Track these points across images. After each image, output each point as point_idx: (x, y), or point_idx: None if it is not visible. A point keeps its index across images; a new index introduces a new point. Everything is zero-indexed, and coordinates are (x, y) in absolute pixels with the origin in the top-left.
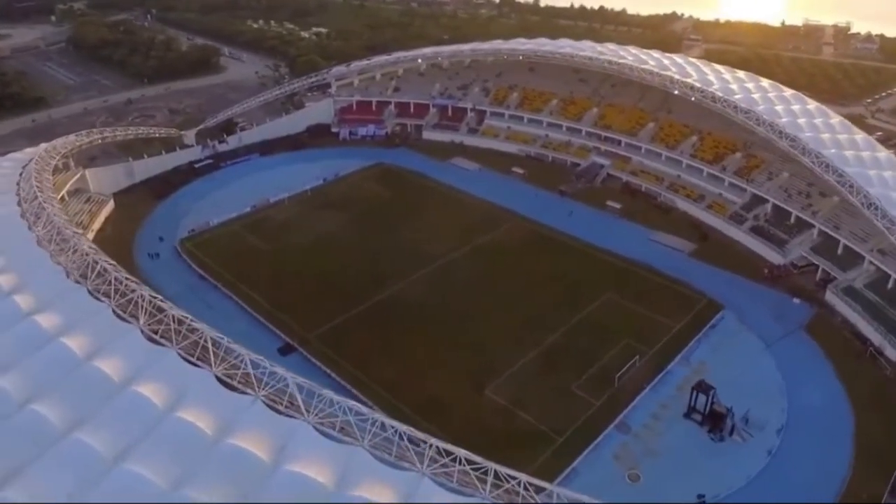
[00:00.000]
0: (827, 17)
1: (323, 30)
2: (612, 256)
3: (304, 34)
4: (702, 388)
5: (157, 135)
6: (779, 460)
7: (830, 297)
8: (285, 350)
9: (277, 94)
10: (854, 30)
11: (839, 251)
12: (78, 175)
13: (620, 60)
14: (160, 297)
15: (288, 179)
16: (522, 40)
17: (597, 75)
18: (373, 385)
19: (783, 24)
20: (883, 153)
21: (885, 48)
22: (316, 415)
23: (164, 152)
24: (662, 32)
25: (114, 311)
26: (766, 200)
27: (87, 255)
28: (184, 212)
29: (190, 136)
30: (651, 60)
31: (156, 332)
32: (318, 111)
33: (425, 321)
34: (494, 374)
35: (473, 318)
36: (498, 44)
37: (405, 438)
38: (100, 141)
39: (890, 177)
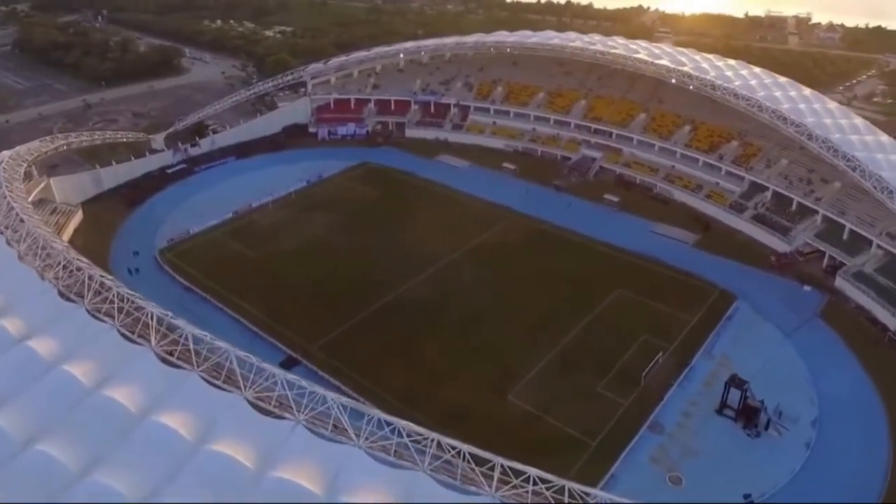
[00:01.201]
0: (788, 8)
1: (287, 28)
2: (616, 250)
3: (269, 33)
4: (735, 382)
5: (123, 140)
6: (818, 454)
7: (841, 283)
8: (288, 363)
9: (250, 95)
10: (814, 20)
11: (845, 236)
12: (43, 184)
13: (613, 50)
14: (170, 313)
15: (269, 182)
16: (505, 33)
17: (582, 67)
18: (387, 397)
19: (747, 15)
20: (884, 137)
21: (846, 37)
22: (366, 439)
23: (132, 158)
24: (632, 25)
25: (119, 331)
26: (766, 188)
27: (80, 270)
28: (160, 220)
29: (159, 140)
30: (641, 50)
31: (171, 354)
32: (293, 111)
33: (433, 325)
34: (514, 378)
35: (483, 321)
36: (482, 37)
37: (467, 459)
38: (65, 147)
39: (886, 160)
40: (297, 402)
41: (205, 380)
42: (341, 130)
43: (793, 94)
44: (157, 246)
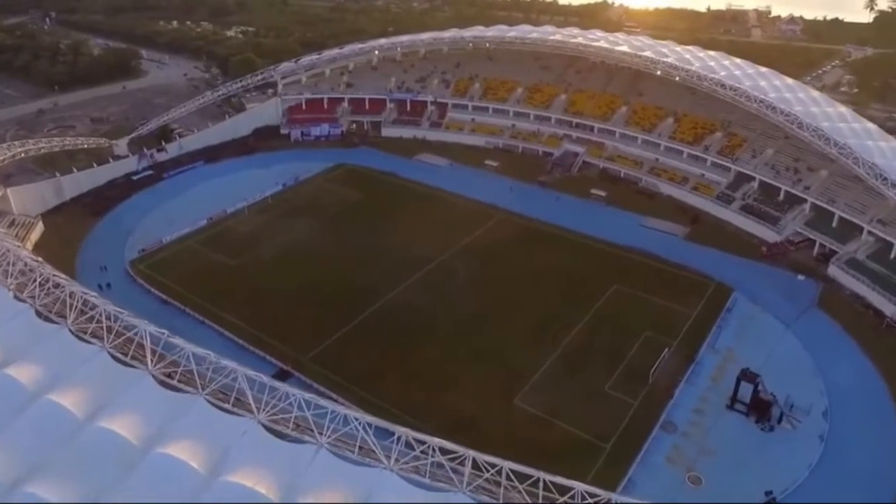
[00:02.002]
0: (748, 2)
1: (249, 28)
2: (609, 245)
3: (230, 33)
4: (747, 376)
5: (84, 146)
6: (833, 446)
7: (834, 270)
8: (280, 377)
9: (217, 97)
10: (774, 13)
11: (834, 224)
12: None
13: (596, 43)
14: (166, 332)
15: (243, 187)
16: (482, 28)
17: (560, 62)
18: (388, 406)
19: (709, 9)
20: (870, 125)
21: (807, 29)
22: (397, 460)
23: (95, 165)
24: (599, 20)
25: (110, 354)
26: (752, 179)
27: (60, 286)
28: (128, 230)
29: (122, 145)
30: (622, 43)
31: (170, 376)
32: (264, 112)
33: (429, 331)
34: (519, 381)
35: (481, 323)
36: (460, 32)
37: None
38: (22, 154)
39: (886, 147)
40: (317, 424)
41: (212, 404)
42: (315, 131)
43: (777, 83)
44: (127, 257)
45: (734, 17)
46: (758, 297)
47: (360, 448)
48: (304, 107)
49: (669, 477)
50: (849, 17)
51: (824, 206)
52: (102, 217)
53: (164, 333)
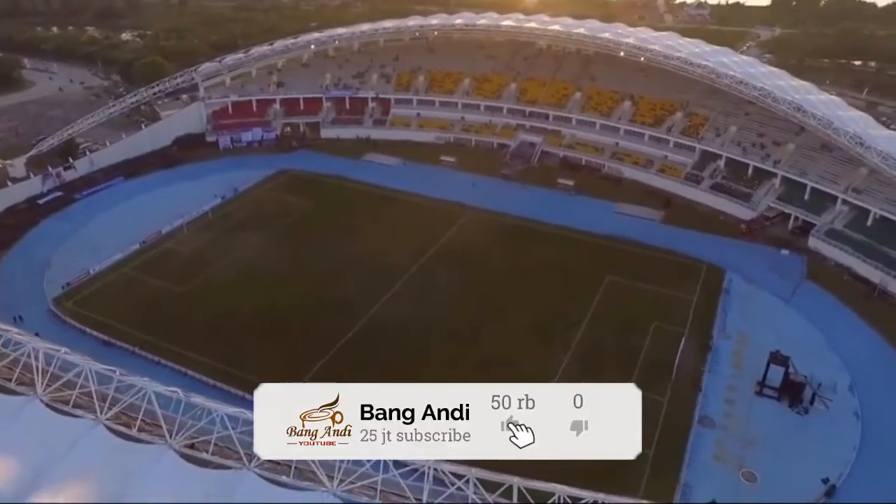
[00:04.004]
0: None
1: (146, 31)
2: (588, 236)
3: (125, 37)
4: (778, 359)
5: None
6: (870, 421)
7: (815, 242)
8: None
9: (131, 104)
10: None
11: (807, 196)
12: None
13: (552, 27)
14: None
15: (174, 203)
16: (420, 18)
17: (505, 50)
18: None
19: None
20: (824, 95)
21: (714, 13)
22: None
23: None
24: (516, 9)
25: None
26: (718, 157)
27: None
28: (43, 263)
29: (18, 166)
30: (575, 26)
31: (64, 402)
32: (185, 119)
33: (425, 345)
34: None
35: (479, 331)
36: (403, 22)
37: None
38: None
39: (854, 115)
40: (246, 444)
41: (113, 431)
42: (246, 137)
43: (735, 59)
44: (49, 295)
45: (645, 4)
46: (750, 275)
47: (302, 469)
48: (230, 111)
49: (723, 476)
50: (749, 1)
51: (796, 178)
52: (7, 251)
53: (60, 350)
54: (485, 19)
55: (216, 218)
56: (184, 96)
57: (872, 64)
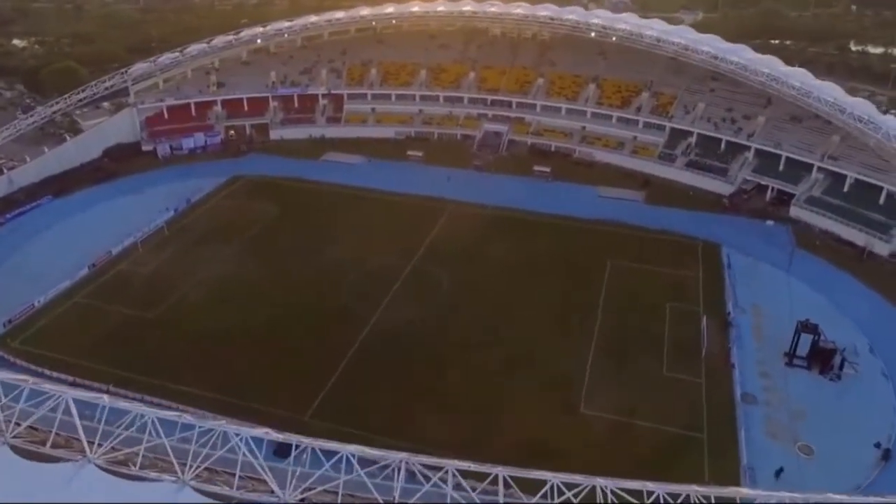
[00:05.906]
0: None
1: (44, 38)
2: (578, 221)
3: (19, 43)
4: (808, 328)
5: None
6: None
7: (797, 211)
8: (282, 451)
9: (52, 115)
10: None
11: (781, 167)
12: None
13: (517, 10)
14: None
15: (119, 220)
16: (365, 8)
17: (458, 38)
18: (438, 453)
19: None
20: (786, 67)
21: (637, 0)
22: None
23: None
24: None
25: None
26: (689, 135)
27: None
28: None
29: None
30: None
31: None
32: (114, 128)
33: (440, 349)
34: (572, 386)
35: (494, 329)
36: (354, 13)
37: None
38: None
39: (824, 84)
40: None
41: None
42: (188, 143)
43: (697, 37)
44: None
45: None
46: (745, 248)
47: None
48: (166, 115)
49: (781, 453)
50: None
51: (771, 150)
52: None
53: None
54: (442, 6)
55: (173, 233)
56: (105, 104)
57: (788, 42)
